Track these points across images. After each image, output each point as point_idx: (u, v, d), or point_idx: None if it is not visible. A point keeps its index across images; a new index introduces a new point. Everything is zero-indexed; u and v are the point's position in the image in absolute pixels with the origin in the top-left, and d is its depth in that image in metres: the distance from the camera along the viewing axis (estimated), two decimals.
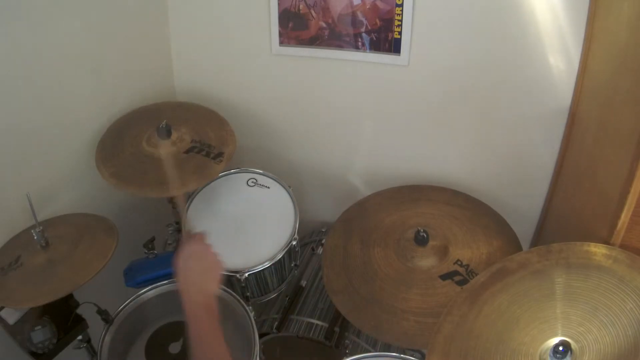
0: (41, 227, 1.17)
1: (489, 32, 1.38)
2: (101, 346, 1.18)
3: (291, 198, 1.50)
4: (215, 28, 1.67)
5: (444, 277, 1.19)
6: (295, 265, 1.52)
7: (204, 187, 1.55)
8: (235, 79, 1.74)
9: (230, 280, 1.38)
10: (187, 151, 1.42)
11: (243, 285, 1.36)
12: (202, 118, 1.55)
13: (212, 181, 1.56)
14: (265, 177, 1.57)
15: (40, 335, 1.13)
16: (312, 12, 1.50)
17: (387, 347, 1.32)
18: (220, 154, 1.40)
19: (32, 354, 1.14)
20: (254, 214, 1.49)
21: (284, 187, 1.54)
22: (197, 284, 0.93)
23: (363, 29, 1.47)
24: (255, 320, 1.22)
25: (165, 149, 1.40)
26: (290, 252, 1.45)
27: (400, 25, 1.42)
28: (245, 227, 1.46)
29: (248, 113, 1.77)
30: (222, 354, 0.87)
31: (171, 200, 1.52)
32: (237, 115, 1.71)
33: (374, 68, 1.53)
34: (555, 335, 0.88)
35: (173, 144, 1.43)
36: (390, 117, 1.62)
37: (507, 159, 1.54)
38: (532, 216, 1.60)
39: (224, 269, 0.95)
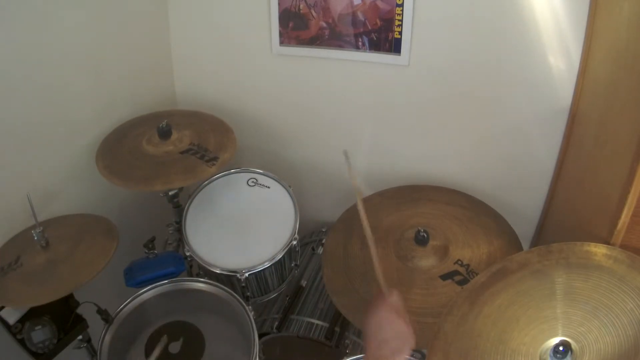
0: (41, 228, 1.17)
1: (489, 32, 1.38)
2: (101, 346, 1.18)
3: (291, 198, 1.50)
4: (215, 28, 1.67)
5: (444, 277, 1.19)
6: (296, 265, 1.52)
7: (204, 187, 1.55)
8: (235, 78, 1.74)
9: (231, 280, 1.38)
10: (183, 152, 1.42)
11: (243, 285, 1.36)
12: (208, 124, 1.55)
13: (212, 181, 1.56)
14: (265, 177, 1.57)
15: (41, 335, 1.13)
16: (313, 12, 1.50)
17: None
18: (214, 158, 1.40)
19: (32, 353, 1.14)
20: (254, 214, 1.49)
21: (284, 187, 1.54)
22: (384, 357, 0.89)
23: (363, 29, 1.47)
24: (255, 320, 1.22)
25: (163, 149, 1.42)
26: (291, 252, 1.45)
27: (400, 25, 1.42)
28: (245, 227, 1.46)
29: (248, 113, 1.77)
30: None
31: (171, 200, 1.52)
32: (237, 115, 1.71)
33: (374, 68, 1.53)
34: (556, 335, 0.88)
35: (172, 144, 1.44)
36: (391, 117, 1.62)
37: (507, 159, 1.54)
38: (532, 216, 1.60)
39: (414, 345, 0.90)
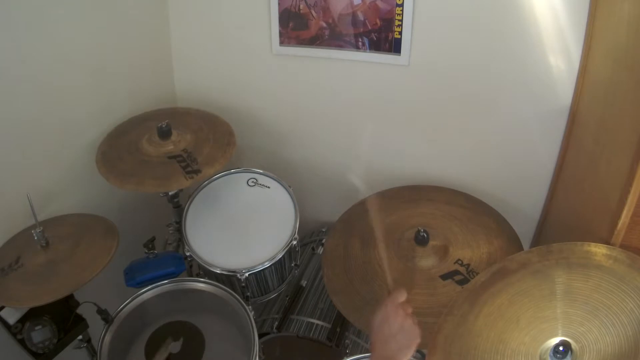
0: (41, 228, 1.17)
1: (489, 32, 1.38)
2: (101, 346, 1.18)
3: (291, 198, 1.50)
4: (215, 27, 1.67)
5: (444, 276, 1.19)
6: (296, 265, 1.52)
7: (204, 187, 1.55)
8: (235, 78, 1.74)
9: (230, 280, 1.38)
10: (171, 157, 1.39)
11: (243, 285, 1.36)
12: (213, 133, 1.50)
13: (212, 181, 1.56)
14: (265, 177, 1.57)
15: (40, 335, 1.13)
16: (313, 12, 1.50)
17: None
18: (196, 171, 1.35)
19: (32, 353, 1.14)
20: (254, 214, 1.49)
21: (284, 187, 1.54)
22: (391, 352, 0.89)
23: (363, 29, 1.47)
24: (255, 320, 1.22)
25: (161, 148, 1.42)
26: (291, 252, 1.45)
27: (400, 25, 1.42)
28: (245, 227, 1.46)
29: (248, 113, 1.77)
30: None
31: (172, 200, 1.52)
32: (238, 114, 1.71)
33: (374, 68, 1.53)
34: (556, 335, 0.88)
35: (172, 144, 1.43)
36: (391, 117, 1.62)
37: (508, 158, 1.54)
38: (533, 216, 1.60)
39: (419, 340, 0.90)
